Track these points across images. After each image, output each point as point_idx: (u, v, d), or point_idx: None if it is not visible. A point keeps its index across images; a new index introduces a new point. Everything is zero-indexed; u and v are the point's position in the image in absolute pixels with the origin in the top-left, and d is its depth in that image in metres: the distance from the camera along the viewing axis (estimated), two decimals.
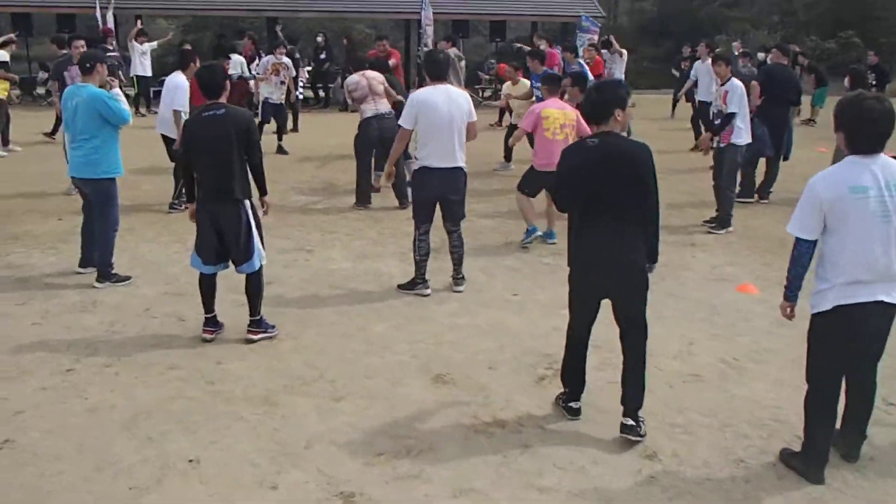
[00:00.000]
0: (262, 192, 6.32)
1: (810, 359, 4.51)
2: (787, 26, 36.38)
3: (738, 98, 9.51)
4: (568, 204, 4.89)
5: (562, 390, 5.21)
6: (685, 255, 8.61)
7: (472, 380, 5.61)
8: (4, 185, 11.21)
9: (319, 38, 23.32)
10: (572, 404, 5.10)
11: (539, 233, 8.95)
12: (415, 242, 7.31)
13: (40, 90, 23.59)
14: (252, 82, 15.33)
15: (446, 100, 6.98)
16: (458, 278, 7.50)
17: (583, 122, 8.83)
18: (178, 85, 9.96)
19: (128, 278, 7.48)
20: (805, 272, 4.40)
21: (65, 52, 13.84)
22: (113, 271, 7.44)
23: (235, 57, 16.75)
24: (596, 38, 19.90)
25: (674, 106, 21.11)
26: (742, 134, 9.63)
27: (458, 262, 7.48)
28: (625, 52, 18.11)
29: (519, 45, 22.26)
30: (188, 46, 13.78)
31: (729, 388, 5.56)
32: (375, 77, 10.53)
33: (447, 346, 6.21)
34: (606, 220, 4.67)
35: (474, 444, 4.78)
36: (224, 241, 6.09)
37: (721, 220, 9.75)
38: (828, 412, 4.46)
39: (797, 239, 4.39)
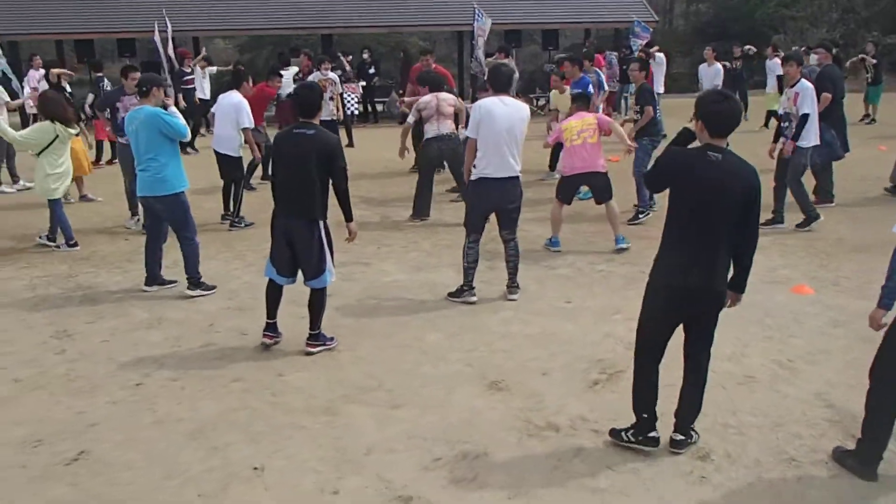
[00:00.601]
0: (348, 217, 6.48)
1: (883, 358, 4.44)
2: (847, 23, 35.72)
3: (809, 99, 9.46)
4: (658, 185, 4.83)
5: (628, 425, 4.86)
6: None
7: (525, 386, 5.72)
8: (73, 207, 11.60)
9: (365, 55, 23.49)
10: (651, 434, 4.77)
11: (559, 248, 9.17)
12: (464, 249, 7.48)
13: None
14: None
15: (507, 110, 7.10)
16: (512, 286, 7.62)
17: (604, 121, 9.09)
18: (239, 103, 10.31)
19: (214, 287, 7.89)
20: None
21: (100, 75, 14.34)
22: (201, 279, 7.83)
23: (287, 75, 17.04)
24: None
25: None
26: (809, 136, 9.57)
27: (513, 271, 7.60)
28: (662, 55, 18.11)
29: (551, 64, 22.34)
30: (241, 66, 14.13)
31: (781, 388, 5.57)
32: (447, 99, 10.84)
33: (500, 354, 6.32)
34: (703, 244, 4.45)
35: (528, 448, 4.89)
36: (296, 255, 6.31)
37: (806, 219, 9.75)
38: (890, 412, 4.45)
39: None
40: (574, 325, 6.86)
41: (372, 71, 23.32)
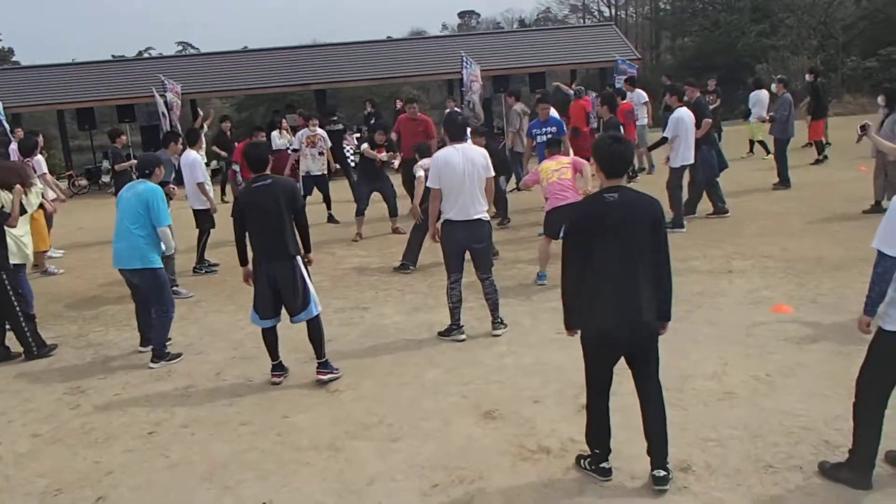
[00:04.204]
0: (307, 249, 7.04)
1: (868, 371, 4.67)
2: (827, 49, 36.39)
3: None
4: (574, 254, 4.83)
5: (585, 455, 5.10)
6: (722, 282, 8.93)
7: (518, 414, 6.02)
8: (87, 269, 11.98)
9: (369, 108, 23.87)
10: (604, 465, 4.96)
11: (545, 281, 9.57)
12: (447, 291, 7.81)
13: (105, 178, 24.77)
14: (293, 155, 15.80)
15: (463, 159, 7.52)
16: (496, 323, 7.91)
17: (578, 162, 9.57)
18: (194, 161, 11.07)
19: (179, 355, 7.88)
20: (887, 288, 4.48)
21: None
22: (167, 350, 7.84)
23: (274, 134, 17.82)
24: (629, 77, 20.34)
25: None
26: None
27: (494, 308, 7.91)
28: (642, 91, 18.29)
29: (556, 84, 22.59)
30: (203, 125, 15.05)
31: (760, 402, 5.86)
32: None
33: (495, 385, 6.62)
34: (623, 279, 4.63)
35: (521, 470, 5.17)
36: (281, 296, 6.80)
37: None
38: (878, 421, 4.65)
39: (881, 254, 4.42)
40: (564, 354, 7.13)
41: (374, 122, 23.68)
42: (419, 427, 5.94)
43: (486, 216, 7.69)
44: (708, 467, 5.00)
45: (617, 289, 4.65)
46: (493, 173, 7.76)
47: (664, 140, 11.79)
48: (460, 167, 7.47)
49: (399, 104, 24.37)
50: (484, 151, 7.87)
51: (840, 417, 5.26)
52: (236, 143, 16.28)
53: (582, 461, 5.08)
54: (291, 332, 7.14)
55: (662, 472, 4.78)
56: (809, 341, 6.96)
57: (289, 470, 5.42)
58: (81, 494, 5.29)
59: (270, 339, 6.99)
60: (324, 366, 6.91)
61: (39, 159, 12.87)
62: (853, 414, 4.75)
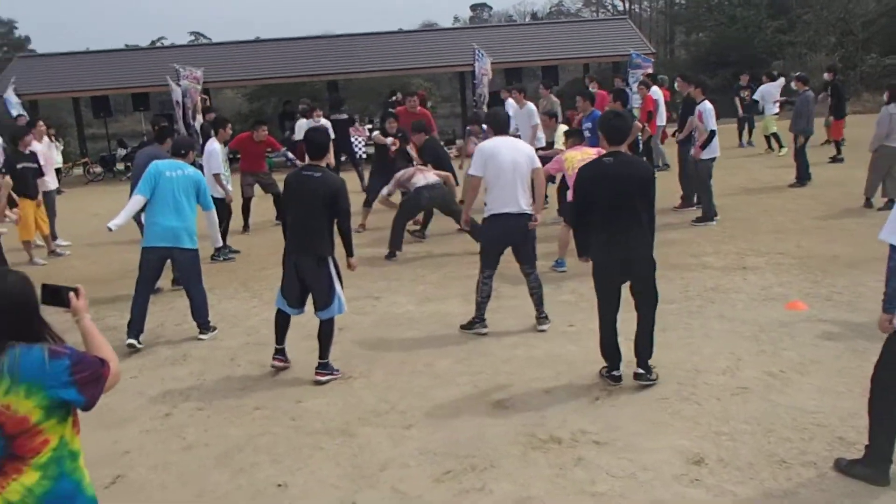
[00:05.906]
0: (349, 253, 6.99)
1: (883, 368, 4.64)
2: (846, 46, 36.14)
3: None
4: (578, 210, 6.28)
5: (604, 365, 6.37)
6: (736, 278, 8.93)
7: (529, 404, 6.05)
8: (102, 255, 12.04)
9: (391, 98, 23.81)
10: (615, 373, 6.25)
11: (564, 268, 9.65)
12: (478, 284, 7.73)
13: (119, 166, 24.89)
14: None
15: (511, 149, 7.49)
16: (541, 318, 7.79)
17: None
18: (212, 151, 11.02)
19: (216, 328, 8.30)
20: None
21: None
22: (211, 323, 8.27)
23: (301, 122, 17.86)
24: (649, 73, 20.29)
25: (740, 134, 21.47)
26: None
27: (538, 303, 7.78)
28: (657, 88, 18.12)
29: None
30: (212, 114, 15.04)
31: (773, 397, 5.87)
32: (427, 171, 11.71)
33: (506, 376, 6.66)
34: (616, 222, 5.97)
35: (532, 459, 5.21)
36: (306, 288, 6.77)
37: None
38: (893, 416, 4.65)
39: (892, 248, 4.38)
40: (577, 346, 7.18)
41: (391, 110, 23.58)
42: (431, 415, 5.99)
43: (530, 210, 7.55)
44: (720, 461, 5.02)
45: (611, 230, 6.01)
46: (539, 164, 7.68)
47: (713, 133, 11.93)
48: (509, 157, 7.41)
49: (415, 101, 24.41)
50: (528, 145, 7.97)
51: (855, 415, 5.25)
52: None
53: (602, 370, 6.39)
54: (311, 321, 7.11)
55: (641, 371, 6.17)
56: (824, 338, 6.96)
57: (302, 454, 5.48)
58: (100, 473, 5.32)
59: (282, 323, 6.98)
60: (323, 367, 6.79)
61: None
62: (868, 410, 4.75)
